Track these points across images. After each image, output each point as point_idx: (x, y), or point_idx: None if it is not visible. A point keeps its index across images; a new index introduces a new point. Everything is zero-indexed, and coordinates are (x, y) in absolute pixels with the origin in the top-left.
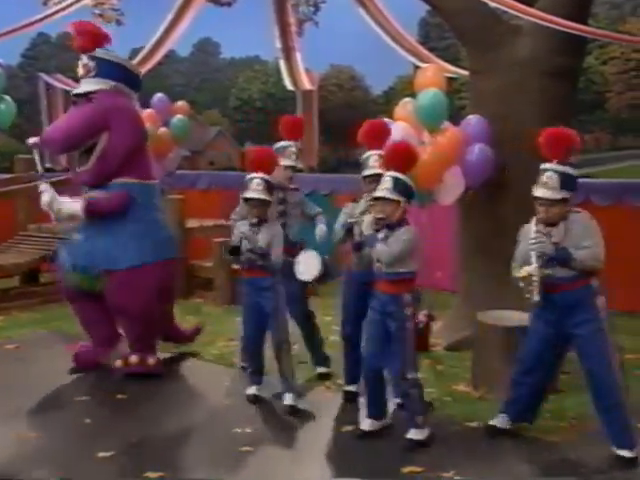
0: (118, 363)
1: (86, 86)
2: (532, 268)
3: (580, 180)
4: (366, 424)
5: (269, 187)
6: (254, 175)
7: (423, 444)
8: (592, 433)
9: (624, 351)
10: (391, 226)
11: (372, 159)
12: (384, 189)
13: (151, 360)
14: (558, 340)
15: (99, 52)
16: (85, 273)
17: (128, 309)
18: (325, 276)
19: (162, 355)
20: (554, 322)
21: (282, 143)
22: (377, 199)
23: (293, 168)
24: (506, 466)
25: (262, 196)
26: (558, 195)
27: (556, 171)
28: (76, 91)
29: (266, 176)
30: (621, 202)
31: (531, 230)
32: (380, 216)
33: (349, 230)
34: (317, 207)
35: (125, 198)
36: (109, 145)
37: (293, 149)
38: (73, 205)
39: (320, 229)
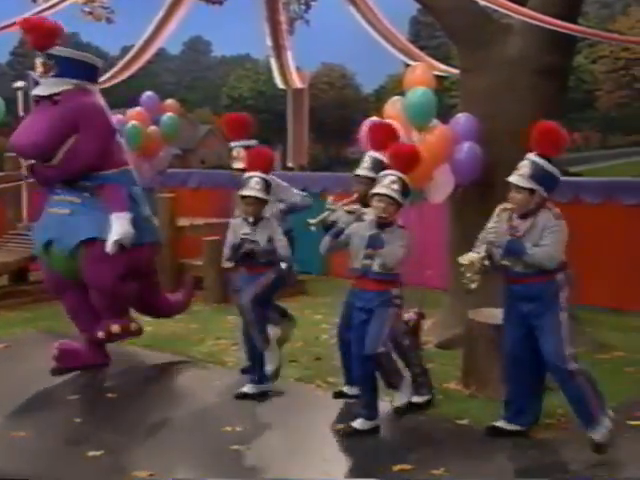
0: (100, 334)
1: (49, 87)
2: (475, 256)
3: (569, 179)
4: (358, 423)
5: (267, 186)
6: (253, 174)
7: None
8: (581, 430)
9: (597, 346)
10: (383, 225)
11: (366, 159)
12: (392, 190)
13: (133, 325)
14: (529, 333)
15: (57, 50)
16: (60, 251)
17: (97, 281)
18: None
19: (153, 358)
20: (520, 314)
21: (231, 144)
22: (381, 196)
23: (240, 170)
24: (496, 463)
25: (259, 194)
26: (525, 184)
27: (531, 161)
28: (38, 92)
29: (264, 175)
30: (610, 200)
31: (492, 218)
32: (383, 215)
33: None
34: (293, 190)
35: (124, 190)
36: (80, 144)
37: (238, 149)
38: (124, 225)
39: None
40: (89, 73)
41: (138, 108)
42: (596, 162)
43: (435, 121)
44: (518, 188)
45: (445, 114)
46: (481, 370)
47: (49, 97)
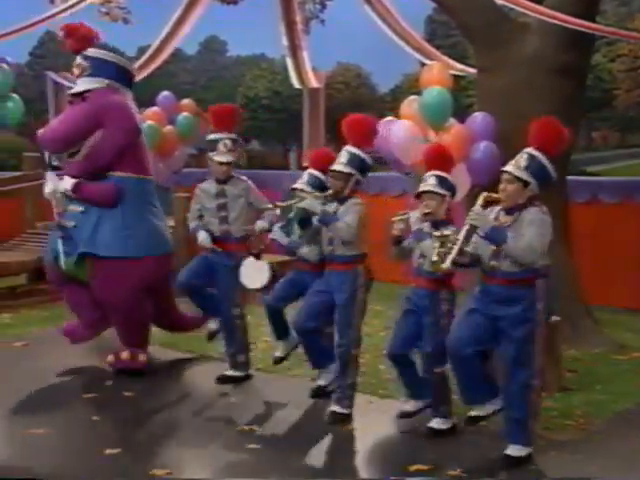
0: (110, 358)
1: (81, 85)
2: (450, 232)
3: (587, 178)
4: (435, 422)
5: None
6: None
7: (443, 433)
8: (600, 432)
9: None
10: (435, 223)
11: (343, 154)
12: (430, 184)
13: (142, 357)
14: (487, 329)
15: (91, 51)
16: (69, 259)
17: (111, 301)
18: (271, 284)
19: (170, 356)
20: (488, 316)
21: (213, 136)
22: (423, 194)
23: (229, 164)
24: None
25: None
26: (522, 174)
27: (529, 154)
28: (72, 91)
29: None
30: (628, 200)
31: (477, 204)
32: (427, 211)
33: (307, 223)
34: (265, 200)
35: (118, 191)
36: (102, 141)
37: (226, 142)
38: (66, 183)
39: (258, 224)
40: (122, 75)
41: (155, 108)
42: (614, 161)
43: (452, 120)
44: (512, 178)
45: (462, 113)
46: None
47: (80, 94)
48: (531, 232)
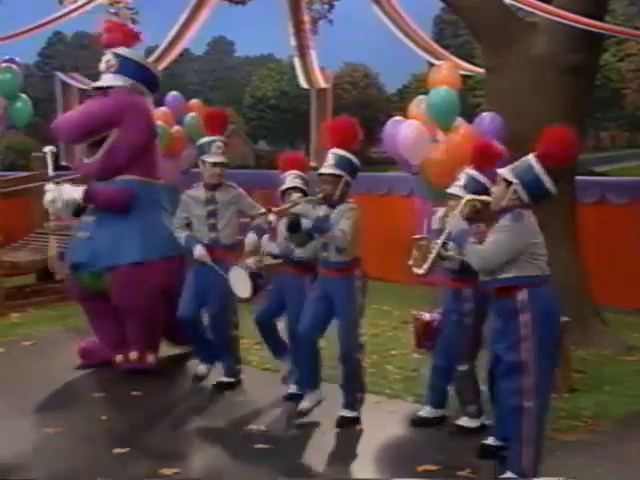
0: (119, 358)
1: (105, 81)
2: (429, 237)
3: (595, 178)
4: (424, 411)
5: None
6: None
7: (474, 431)
8: (608, 433)
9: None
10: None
11: (330, 157)
12: (460, 187)
13: (151, 358)
14: None
15: (123, 50)
16: (88, 271)
17: (131, 305)
18: (256, 292)
19: (178, 359)
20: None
21: (205, 139)
22: (451, 195)
23: (222, 165)
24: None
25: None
26: (507, 174)
27: (524, 160)
28: (95, 84)
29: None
30: (637, 200)
31: (458, 208)
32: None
33: (297, 227)
34: (257, 206)
35: (127, 194)
36: (119, 140)
37: (219, 144)
38: (73, 191)
39: (249, 238)
40: (147, 78)
41: (162, 108)
42: (623, 161)
43: (460, 120)
44: (499, 179)
45: (470, 113)
46: None
47: (103, 89)
48: (492, 238)
